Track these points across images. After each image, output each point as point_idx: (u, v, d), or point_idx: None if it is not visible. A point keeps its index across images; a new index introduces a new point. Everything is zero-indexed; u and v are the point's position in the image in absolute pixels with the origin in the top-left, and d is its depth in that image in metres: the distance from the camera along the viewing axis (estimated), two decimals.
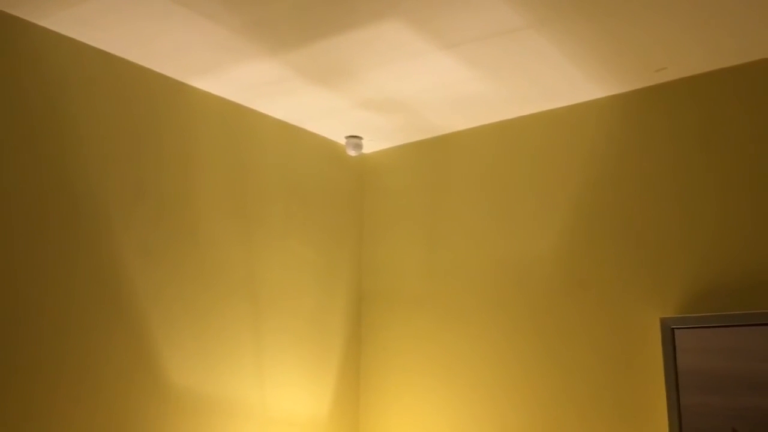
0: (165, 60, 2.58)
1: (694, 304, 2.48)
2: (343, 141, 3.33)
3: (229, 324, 2.77)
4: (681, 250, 2.55)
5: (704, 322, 2.33)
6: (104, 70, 2.51)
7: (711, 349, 2.31)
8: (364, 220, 3.43)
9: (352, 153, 3.27)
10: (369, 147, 3.42)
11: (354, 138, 3.26)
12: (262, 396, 2.84)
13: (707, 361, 2.31)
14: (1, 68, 2.24)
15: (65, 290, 2.31)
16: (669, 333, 2.38)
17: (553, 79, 2.68)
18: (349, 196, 3.40)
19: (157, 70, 2.65)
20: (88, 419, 2.30)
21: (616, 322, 2.63)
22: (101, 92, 2.49)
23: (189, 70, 2.65)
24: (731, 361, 2.27)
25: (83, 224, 2.38)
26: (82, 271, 2.36)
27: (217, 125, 2.85)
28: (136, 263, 2.50)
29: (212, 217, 2.77)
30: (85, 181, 2.41)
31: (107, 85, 2.51)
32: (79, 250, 2.36)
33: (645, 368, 2.53)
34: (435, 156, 3.25)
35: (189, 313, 2.64)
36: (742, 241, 2.44)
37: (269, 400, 2.87)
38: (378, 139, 3.32)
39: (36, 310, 2.23)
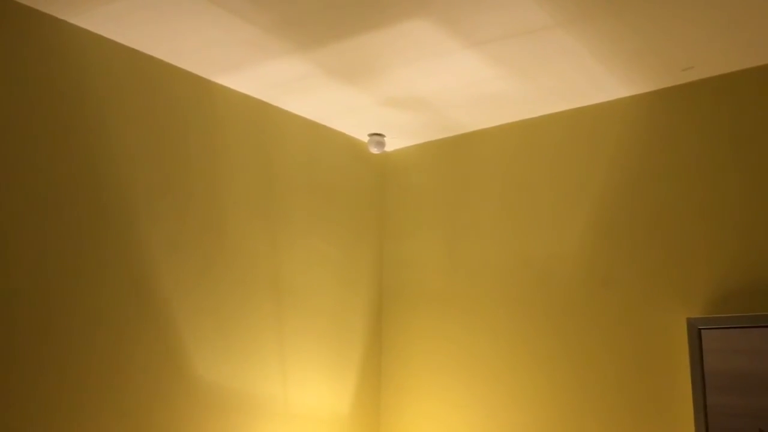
0: (193, 57, 2.59)
1: (720, 305, 2.47)
2: (365, 139, 3.34)
3: (253, 321, 2.78)
4: (707, 251, 2.53)
5: (731, 322, 2.32)
6: (133, 67, 2.53)
7: (738, 350, 2.30)
8: (385, 218, 3.44)
9: (374, 150, 3.28)
10: (391, 145, 3.43)
11: (377, 136, 3.27)
12: (285, 392, 2.86)
13: (734, 362, 2.29)
14: (32, 65, 2.26)
15: (92, 287, 2.33)
16: (696, 333, 2.37)
17: (579, 77, 2.67)
18: (372, 194, 3.41)
19: (185, 67, 2.67)
20: (115, 414, 2.32)
21: (641, 322, 2.63)
22: (130, 89, 2.51)
23: (216, 67, 2.66)
24: (759, 362, 2.25)
25: (110, 221, 2.40)
26: (108, 268, 2.38)
27: (242, 122, 2.87)
28: (163, 260, 2.52)
29: (238, 213, 2.79)
30: (113, 177, 2.43)
31: (136, 82, 2.53)
32: (106, 246, 2.38)
33: (670, 368, 2.53)
34: (458, 154, 3.25)
35: (214, 309, 2.66)
36: None
37: (292, 397, 2.88)
38: (400, 136, 3.33)
39: (64, 306, 2.25)
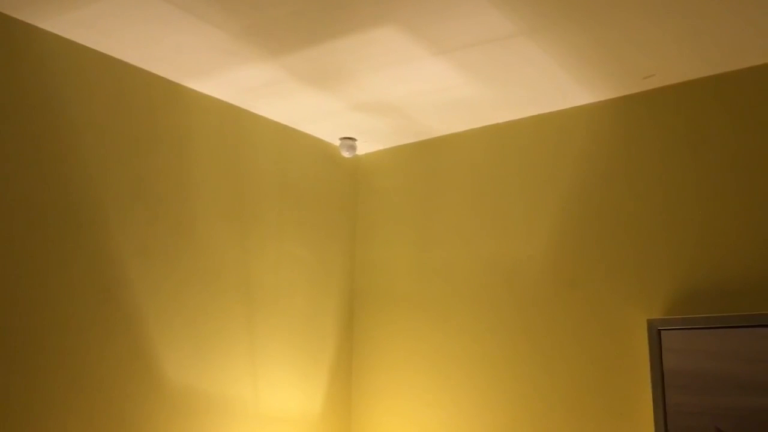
0: (163, 62, 2.61)
1: (680, 306, 2.54)
2: (337, 142, 3.37)
3: (223, 323, 2.80)
4: (668, 253, 2.60)
5: (690, 323, 2.38)
6: (103, 72, 2.54)
7: (696, 351, 2.36)
8: (357, 221, 3.47)
9: (346, 154, 3.31)
10: (363, 149, 3.46)
11: (348, 140, 3.30)
12: (256, 394, 2.88)
13: (693, 362, 2.36)
14: (1, 70, 2.27)
15: (62, 290, 2.34)
16: (656, 334, 2.43)
17: (543, 84, 2.73)
18: (343, 197, 3.44)
19: (155, 72, 2.68)
20: (84, 417, 2.33)
21: (604, 322, 2.69)
22: (100, 94, 2.52)
23: (186, 72, 2.68)
24: (716, 362, 2.32)
25: (81, 224, 2.41)
26: (79, 271, 2.38)
27: (213, 127, 2.89)
28: (132, 263, 2.53)
29: (208, 217, 2.81)
30: (83, 182, 2.43)
31: (106, 86, 2.54)
32: (77, 249, 2.39)
33: (631, 368, 2.59)
34: (427, 158, 3.30)
35: (185, 312, 2.67)
36: (728, 244, 2.49)
37: (263, 398, 2.90)
38: (372, 141, 3.36)
39: (33, 309, 2.26)
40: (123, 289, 2.49)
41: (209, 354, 2.73)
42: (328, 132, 3.27)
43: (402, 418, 3.11)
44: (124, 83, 2.60)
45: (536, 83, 2.72)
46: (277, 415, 2.94)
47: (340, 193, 3.42)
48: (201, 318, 2.72)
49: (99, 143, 2.49)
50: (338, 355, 3.26)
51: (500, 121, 3.10)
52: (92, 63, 2.51)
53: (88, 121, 2.47)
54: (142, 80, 2.65)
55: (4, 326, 2.18)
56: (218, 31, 2.37)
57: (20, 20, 2.32)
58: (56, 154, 2.38)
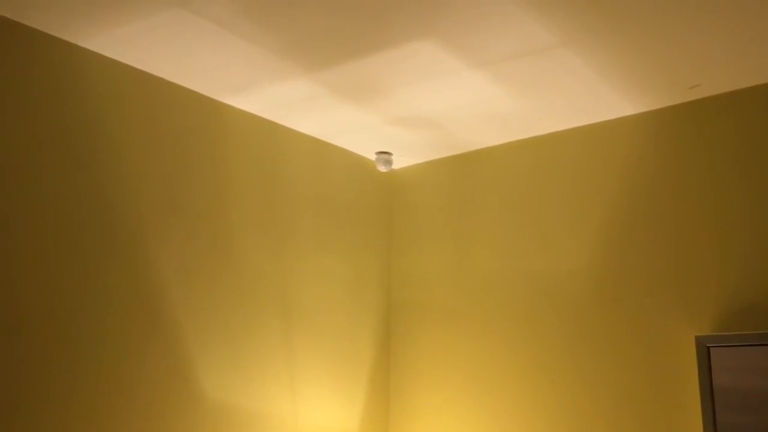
0: (201, 79, 2.62)
1: (729, 322, 2.46)
2: (373, 157, 3.35)
3: (261, 338, 2.79)
4: (716, 268, 2.52)
5: (740, 340, 2.31)
6: (141, 88, 2.55)
7: (747, 368, 2.28)
8: (393, 235, 3.44)
9: (382, 169, 3.29)
10: (399, 163, 3.44)
11: (384, 154, 3.28)
12: (294, 409, 2.86)
13: (744, 380, 2.28)
14: (43, 88, 2.29)
15: (102, 307, 2.34)
16: (704, 351, 2.36)
17: (585, 95, 2.68)
18: (379, 212, 3.42)
19: (193, 88, 2.69)
20: None
21: (650, 339, 2.61)
22: (138, 110, 2.53)
23: (224, 88, 2.69)
24: None
25: (119, 240, 2.42)
26: (118, 287, 2.39)
27: (250, 142, 2.89)
28: (171, 278, 2.53)
29: (245, 232, 2.80)
30: (122, 197, 2.45)
31: (144, 103, 2.55)
32: (115, 265, 2.40)
33: (679, 386, 2.51)
34: (465, 172, 3.26)
35: (223, 327, 2.66)
36: None
37: (301, 413, 2.88)
38: (408, 155, 3.34)
39: (73, 325, 2.27)
40: (161, 305, 2.49)
41: (247, 369, 2.72)
42: (364, 146, 3.26)
43: None
44: (163, 100, 2.61)
45: (577, 94, 2.67)
46: (315, 430, 2.91)
47: (376, 207, 3.40)
48: (238, 333, 2.71)
49: (137, 159, 2.50)
50: (375, 370, 3.23)
51: (540, 133, 3.05)
52: (131, 80, 2.53)
53: (127, 138, 2.49)
54: (180, 96, 2.66)
55: (44, 343, 2.19)
56: (256, 47, 2.37)
57: (61, 39, 2.35)
58: (95, 170, 2.39)
